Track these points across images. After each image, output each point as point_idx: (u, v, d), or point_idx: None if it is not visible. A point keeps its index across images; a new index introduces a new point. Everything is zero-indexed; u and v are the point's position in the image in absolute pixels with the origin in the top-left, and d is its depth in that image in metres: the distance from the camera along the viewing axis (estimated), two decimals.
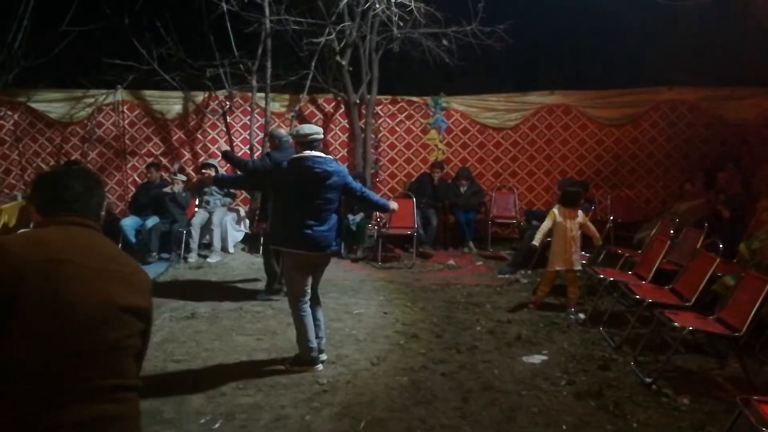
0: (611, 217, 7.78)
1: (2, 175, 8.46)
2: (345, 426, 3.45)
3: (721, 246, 4.94)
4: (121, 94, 8.41)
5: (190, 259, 7.42)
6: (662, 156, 8.69)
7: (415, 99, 8.79)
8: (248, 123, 8.27)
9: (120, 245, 6.75)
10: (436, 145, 8.86)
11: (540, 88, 8.70)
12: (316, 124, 8.26)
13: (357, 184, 4.38)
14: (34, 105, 8.32)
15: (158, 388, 3.74)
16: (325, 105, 8.80)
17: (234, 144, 8.59)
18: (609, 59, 8.69)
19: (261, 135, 8.10)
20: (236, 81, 8.22)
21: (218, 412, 3.58)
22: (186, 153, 8.73)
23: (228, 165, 8.54)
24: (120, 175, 8.64)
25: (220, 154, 8.27)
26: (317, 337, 4.23)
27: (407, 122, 8.84)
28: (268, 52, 7.83)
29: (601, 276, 5.43)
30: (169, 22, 7.77)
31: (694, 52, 8.13)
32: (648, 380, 4.01)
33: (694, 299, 4.61)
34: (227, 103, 8.49)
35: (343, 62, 8.07)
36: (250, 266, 7.22)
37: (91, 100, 8.39)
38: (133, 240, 7.35)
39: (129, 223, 7.44)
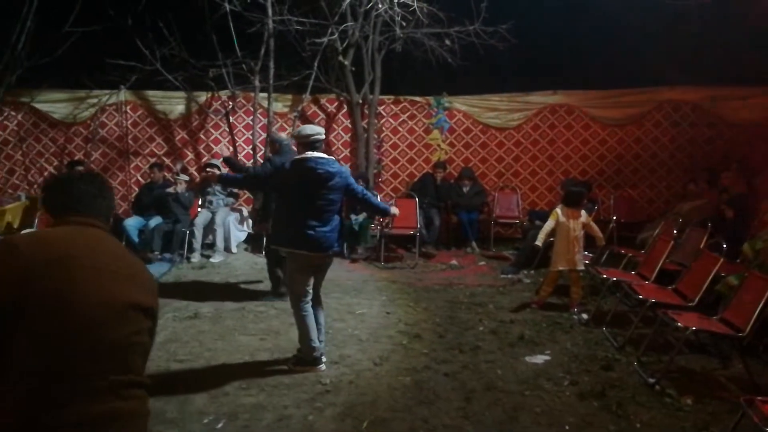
0: (614, 217, 7.79)
1: (6, 176, 8.49)
2: (348, 426, 3.46)
3: (724, 246, 4.92)
4: (124, 95, 8.42)
5: (193, 259, 7.44)
6: (665, 156, 8.67)
7: (417, 99, 8.79)
8: (251, 123, 8.28)
9: (123, 245, 6.75)
10: (438, 145, 8.86)
11: (543, 87, 8.69)
12: (318, 124, 8.27)
13: (359, 186, 4.39)
14: (37, 105, 8.35)
15: (161, 387, 3.75)
16: (327, 105, 8.81)
17: (237, 144, 8.61)
18: (612, 59, 8.68)
19: (264, 135, 8.11)
20: (239, 81, 8.22)
21: (221, 412, 3.59)
22: (189, 153, 8.74)
23: (230, 150, 8.59)
24: (123, 176, 8.66)
25: (222, 153, 8.33)
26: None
27: (410, 122, 8.84)
28: (270, 53, 7.84)
29: (604, 276, 5.43)
30: (172, 23, 7.77)
31: (696, 52, 8.12)
32: (651, 380, 4.01)
33: (697, 299, 4.60)
34: (230, 103, 8.50)
35: (346, 62, 8.07)
36: (252, 266, 7.23)
37: (95, 100, 8.41)
38: (136, 240, 7.36)
39: (132, 223, 7.45)
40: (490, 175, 8.88)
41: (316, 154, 4.09)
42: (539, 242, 5.66)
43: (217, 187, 7.93)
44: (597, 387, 3.96)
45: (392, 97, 8.78)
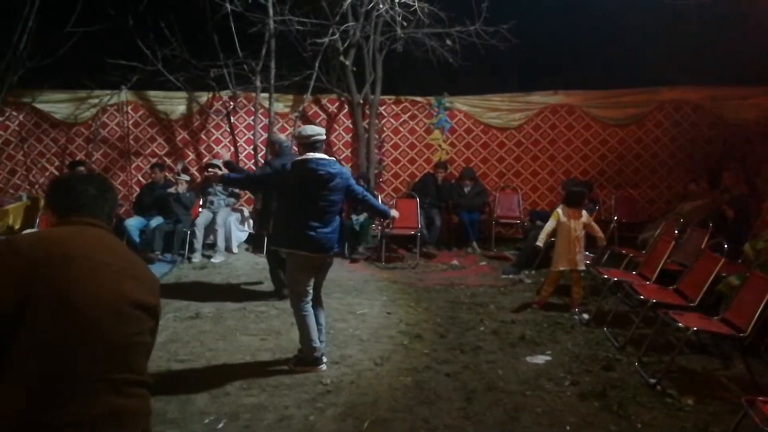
0: (615, 218, 7.78)
1: (7, 176, 8.50)
2: (349, 426, 3.46)
3: (725, 246, 4.92)
4: (125, 95, 8.43)
5: (194, 259, 7.44)
6: (666, 156, 8.67)
7: (418, 99, 8.80)
8: (252, 123, 8.28)
9: (124, 245, 6.76)
10: (439, 145, 8.86)
11: (544, 88, 8.70)
12: (319, 124, 8.29)
13: (359, 187, 4.39)
14: (39, 106, 8.36)
15: (162, 388, 3.75)
16: (328, 105, 8.81)
17: (238, 144, 8.62)
18: (612, 59, 8.69)
19: (265, 135, 8.12)
20: (240, 81, 8.23)
21: (222, 412, 3.59)
22: (190, 153, 8.75)
23: (231, 151, 8.59)
24: (124, 176, 8.67)
25: (222, 157, 8.33)
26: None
27: (411, 122, 8.84)
28: (271, 53, 7.84)
29: (605, 276, 5.42)
30: (173, 23, 7.78)
31: (696, 52, 8.11)
32: (652, 381, 4.00)
33: (698, 300, 4.60)
34: (231, 103, 8.51)
35: (347, 62, 8.08)
36: (254, 266, 7.24)
37: (96, 100, 8.42)
38: (137, 240, 7.37)
39: (133, 223, 7.46)
40: (491, 175, 8.88)
41: (317, 155, 4.09)
42: (540, 242, 5.66)
43: (218, 188, 7.94)
44: (598, 387, 3.96)
45: (393, 97, 8.78)
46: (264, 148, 8.05)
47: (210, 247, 7.81)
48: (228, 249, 7.82)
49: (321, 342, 4.25)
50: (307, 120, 8.48)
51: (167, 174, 8.15)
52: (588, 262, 5.88)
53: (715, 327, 4.15)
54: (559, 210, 5.64)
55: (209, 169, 4.44)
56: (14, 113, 8.38)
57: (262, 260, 7.07)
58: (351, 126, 8.76)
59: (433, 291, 6.31)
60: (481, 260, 7.74)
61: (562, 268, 5.57)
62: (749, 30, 7.04)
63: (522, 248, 7.41)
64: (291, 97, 8.58)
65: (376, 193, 8.29)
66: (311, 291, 4.20)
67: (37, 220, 7.20)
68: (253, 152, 8.23)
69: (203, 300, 5.80)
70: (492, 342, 4.82)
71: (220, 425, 3.44)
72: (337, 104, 8.79)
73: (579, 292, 5.62)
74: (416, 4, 7.38)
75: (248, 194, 8.52)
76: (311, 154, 4.09)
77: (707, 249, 5.08)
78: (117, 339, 1.66)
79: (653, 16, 7.80)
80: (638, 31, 8.44)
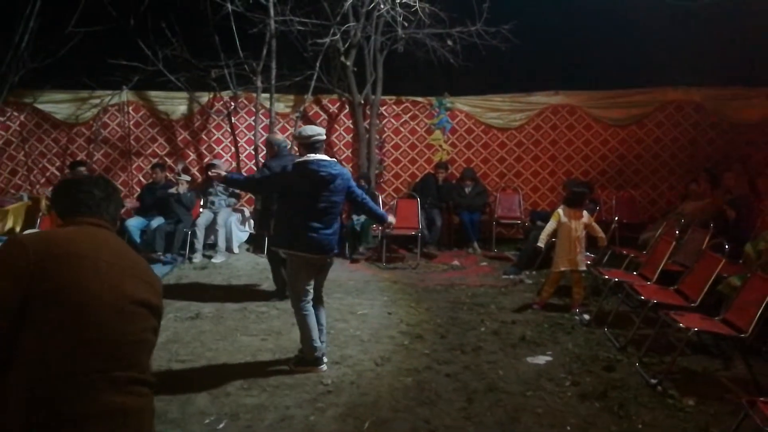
0: (616, 218, 7.77)
1: (8, 176, 8.51)
2: (349, 426, 3.46)
3: (726, 247, 4.91)
4: (126, 95, 8.44)
5: (194, 260, 7.45)
6: (667, 156, 8.67)
7: (419, 99, 8.80)
8: (253, 123, 8.28)
9: (127, 245, 6.77)
10: (440, 146, 8.86)
11: (545, 88, 8.69)
12: (320, 124, 8.29)
13: (359, 190, 4.40)
14: (40, 106, 8.36)
15: (163, 388, 3.74)
16: (329, 105, 8.81)
17: (239, 145, 8.62)
18: (614, 59, 8.68)
19: (265, 135, 8.11)
20: (241, 82, 8.23)
21: (223, 412, 3.59)
22: (191, 153, 8.76)
23: (233, 166, 8.61)
24: (125, 176, 8.67)
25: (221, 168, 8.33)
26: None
27: (412, 123, 8.84)
28: (272, 53, 7.84)
29: (606, 277, 5.42)
30: (174, 24, 7.79)
31: (698, 52, 8.11)
32: (653, 381, 4.00)
33: (699, 300, 4.59)
34: (232, 103, 8.51)
35: (348, 63, 8.08)
36: (254, 267, 7.24)
37: (97, 101, 8.42)
38: (138, 240, 7.37)
39: (134, 223, 7.47)
40: (491, 176, 8.88)
41: (318, 156, 4.09)
42: (541, 243, 5.66)
43: (219, 188, 7.95)
44: (599, 388, 3.95)
45: (394, 97, 8.78)
46: (265, 149, 8.04)
47: (211, 247, 7.81)
48: (229, 249, 7.83)
49: (322, 342, 4.25)
50: (308, 120, 8.48)
51: (168, 174, 8.15)
52: (589, 262, 5.87)
53: (716, 327, 4.14)
54: (560, 210, 5.64)
55: (212, 170, 4.45)
56: (15, 113, 8.39)
57: (262, 260, 7.08)
58: (352, 126, 8.76)
59: (433, 291, 6.31)
60: (482, 261, 7.74)
61: (562, 269, 5.57)
62: (751, 30, 7.04)
63: (523, 249, 7.40)
64: (292, 97, 8.58)
65: (376, 193, 8.29)
66: (312, 291, 4.20)
67: (38, 221, 7.21)
68: (254, 152, 8.23)
69: (204, 300, 5.80)
70: (493, 342, 4.82)
71: (221, 425, 3.44)
72: (338, 104, 8.79)
73: (580, 293, 5.61)
74: (417, 4, 7.38)
75: (249, 194, 8.53)
76: (312, 155, 4.09)
77: (708, 249, 5.08)
78: (120, 337, 1.68)
79: (655, 16, 7.80)
80: (640, 31, 8.44)
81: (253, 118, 8.26)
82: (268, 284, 6.22)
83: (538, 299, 5.82)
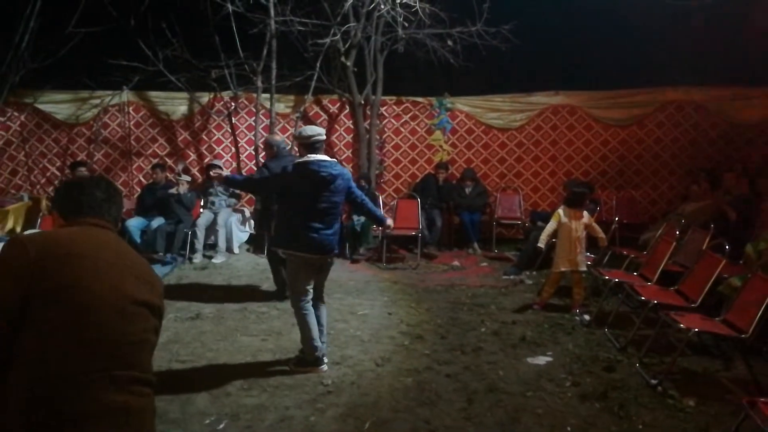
0: (616, 218, 7.76)
1: (9, 176, 8.51)
2: (349, 427, 3.46)
3: (727, 247, 4.91)
4: (126, 96, 8.44)
5: (195, 260, 7.45)
6: (668, 157, 8.67)
7: (419, 100, 8.80)
8: (253, 124, 8.28)
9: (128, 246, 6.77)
10: (440, 146, 8.86)
11: (545, 88, 8.69)
12: (320, 125, 8.29)
13: (359, 191, 4.41)
14: (40, 106, 8.36)
15: (163, 388, 3.73)
16: (329, 106, 8.82)
17: (239, 145, 8.63)
18: (614, 59, 8.68)
19: (266, 136, 8.11)
20: (241, 82, 8.23)
21: (223, 412, 3.59)
22: (191, 154, 8.76)
23: (233, 166, 8.61)
24: (125, 176, 8.67)
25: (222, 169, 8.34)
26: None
27: (412, 123, 8.84)
28: (273, 53, 7.85)
29: (606, 277, 5.42)
30: (175, 24, 7.79)
31: (699, 52, 8.11)
32: (653, 382, 4.00)
33: (699, 301, 4.59)
34: (232, 104, 8.51)
35: (348, 63, 8.08)
36: (254, 267, 7.24)
37: (97, 101, 8.42)
38: (138, 241, 7.37)
39: (134, 223, 7.47)
40: (492, 176, 8.88)
41: (318, 156, 4.10)
42: (542, 244, 5.65)
43: (220, 188, 7.95)
44: (599, 388, 3.95)
45: (394, 97, 8.78)
46: (265, 150, 8.04)
47: (211, 247, 7.81)
48: (229, 249, 7.82)
49: (322, 342, 4.25)
50: (308, 120, 8.49)
51: (168, 174, 8.15)
52: (589, 263, 5.87)
53: (716, 328, 4.14)
54: (561, 211, 5.63)
55: (213, 171, 4.45)
56: (16, 113, 8.39)
57: (263, 261, 7.07)
58: (352, 126, 8.76)
59: (434, 292, 6.31)
60: (482, 261, 7.74)
61: (563, 269, 5.57)
62: (752, 30, 7.04)
63: (523, 249, 7.40)
64: (292, 97, 8.58)
65: (377, 193, 8.29)
66: (311, 290, 4.20)
67: (39, 221, 7.21)
68: (254, 153, 8.24)
69: (204, 300, 5.80)
70: (493, 343, 4.81)
71: (221, 425, 3.44)
72: (338, 105, 8.79)
73: (580, 293, 5.61)
74: (417, 4, 7.38)
75: (249, 195, 8.53)
76: (312, 155, 4.09)
77: (708, 250, 5.08)
78: (120, 337, 1.68)
79: (655, 16, 7.80)
80: (640, 31, 8.44)
81: (254, 118, 8.26)
82: (269, 284, 6.22)
83: (538, 300, 5.82)
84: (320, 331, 4.24)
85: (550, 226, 5.63)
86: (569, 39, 8.73)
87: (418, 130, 8.85)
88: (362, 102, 8.45)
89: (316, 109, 8.79)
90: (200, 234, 7.57)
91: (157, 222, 7.49)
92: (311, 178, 4.05)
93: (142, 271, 1.83)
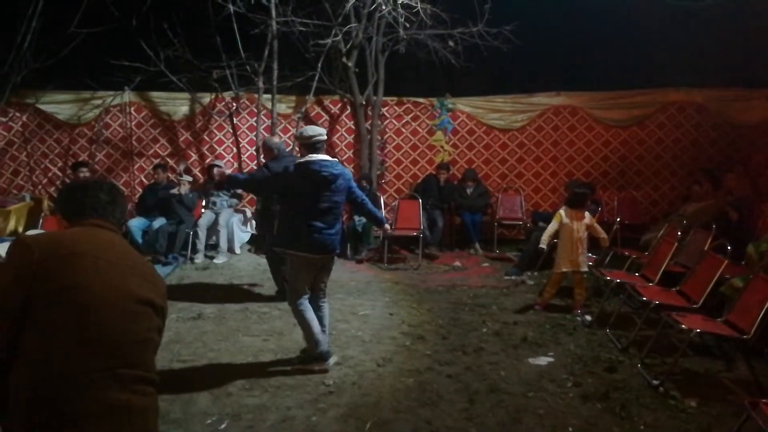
0: (618, 219, 7.76)
1: (11, 176, 8.52)
2: (351, 427, 3.46)
3: (728, 248, 4.91)
4: (128, 96, 8.45)
5: (196, 260, 7.45)
6: (669, 157, 8.66)
7: (421, 100, 8.80)
8: (255, 124, 8.29)
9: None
10: (442, 147, 8.86)
11: (546, 89, 8.68)
12: (322, 125, 8.30)
13: (359, 191, 4.42)
14: (42, 106, 8.37)
15: (165, 388, 3.69)
16: (331, 106, 8.82)
17: (240, 145, 8.63)
18: (616, 60, 8.67)
19: (264, 138, 8.11)
20: (243, 82, 8.24)
21: (225, 412, 3.59)
22: (193, 154, 8.76)
23: (235, 166, 8.61)
24: (127, 177, 8.68)
25: (226, 157, 8.35)
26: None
27: (413, 123, 8.84)
28: (274, 54, 7.85)
29: (608, 278, 5.42)
30: (177, 24, 7.80)
31: (700, 53, 8.10)
32: (655, 382, 4.00)
33: (701, 301, 4.59)
34: (234, 104, 8.52)
35: (350, 64, 8.08)
36: (256, 267, 7.24)
37: (99, 101, 8.43)
38: (140, 241, 7.38)
39: (136, 224, 7.48)
40: (493, 177, 8.87)
41: (319, 156, 4.10)
42: (543, 244, 5.65)
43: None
44: (600, 389, 3.95)
45: (395, 98, 8.78)
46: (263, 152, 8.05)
47: (212, 247, 7.82)
48: (230, 250, 7.83)
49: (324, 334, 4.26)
50: (309, 121, 8.49)
51: (170, 175, 8.15)
52: (590, 263, 5.86)
53: (718, 329, 4.14)
54: (562, 211, 5.63)
55: (215, 169, 4.45)
56: (18, 114, 8.40)
57: (264, 261, 7.07)
58: (353, 127, 8.76)
59: (435, 292, 6.31)
60: (484, 261, 7.74)
61: (564, 270, 5.57)
62: (753, 31, 7.03)
63: (524, 249, 7.40)
64: (293, 98, 8.58)
65: (378, 194, 8.29)
66: (309, 291, 4.21)
67: (41, 221, 7.21)
68: (255, 153, 8.24)
69: (206, 301, 5.81)
70: (494, 343, 4.81)
71: (223, 426, 3.44)
72: (339, 105, 8.79)
73: (582, 294, 5.61)
74: (419, 5, 7.38)
75: (250, 195, 8.53)
76: (314, 155, 4.10)
77: (710, 251, 5.07)
78: (124, 335, 1.69)
79: (656, 17, 7.80)
80: (641, 32, 8.44)
81: (255, 119, 8.27)
82: (270, 285, 6.23)
83: (539, 300, 5.82)
84: (322, 332, 4.24)
85: (552, 227, 5.62)
86: (570, 40, 8.73)
87: (420, 130, 8.85)
88: (363, 102, 8.46)
89: (318, 109, 8.80)
90: (202, 234, 7.58)
91: (159, 222, 7.50)
92: (312, 177, 4.05)
93: (144, 271, 1.84)
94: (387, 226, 4.73)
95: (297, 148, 4.82)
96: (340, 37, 7.71)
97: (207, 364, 4.36)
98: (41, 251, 1.64)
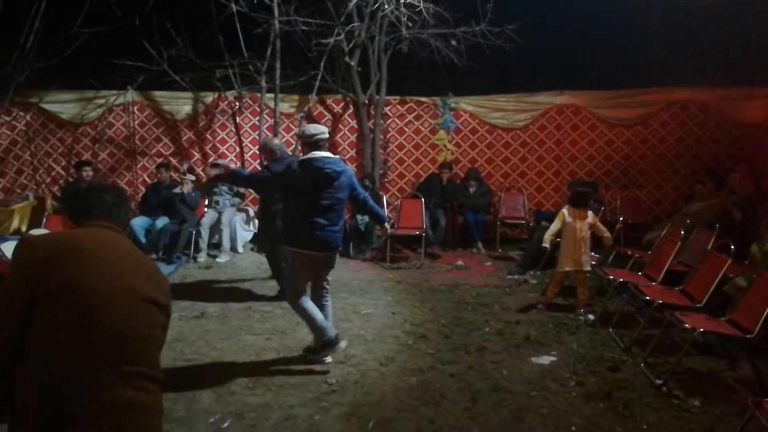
0: (621, 218, 7.74)
1: (14, 175, 8.55)
2: (353, 426, 3.46)
3: (732, 247, 4.90)
4: (131, 95, 8.47)
5: (199, 259, 7.46)
6: (672, 156, 8.64)
7: (423, 99, 8.79)
8: (257, 123, 8.30)
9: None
10: (444, 146, 8.86)
11: (549, 88, 8.67)
12: (324, 124, 8.29)
13: (361, 189, 4.43)
14: (45, 106, 8.40)
15: (168, 386, 3.68)
16: (333, 105, 8.82)
17: (243, 144, 8.64)
18: (619, 59, 8.66)
19: (264, 140, 8.12)
20: (245, 82, 8.25)
21: (228, 411, 3.60)
22: (195, 153, 8.78)
23: (237, 165, 8.62)
24: (130, 176, 8.70)
25: (228, 156, 8.36)
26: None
27: (416, 122, 8.84)
28: (277, 53, 7.86)
29: (611, 277, 5.41)
30: (179, 24, 7.81)
31: (704, 52, 8.08)
32: (658, 382, 3.99)
33: (705, 301, 4.58)
34: (236, 103, 8.53)
35: (352, 63, 8.08)
36: (259, 266, 7.25)
37: (102, 101, 8.46)
38: (143, 240, 7.39)
39: (139, 223, 7.49)
40: (496, 176, 8.87)
41: (322, 153, 4.11)
42: (546, 243, 5.64)
43: (224, 188, 7.96)
44: (603, 388, 3.94)
45: (398, 97, 8.79)
46: (263, 154, 8.05)
47: (215, 246, 7.83)
48: (233, 249, 7.84)
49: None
50: (312, 120, 8.49)
51: (173, 174, 8.17)
52: (593, 262, 5.85)
53: (721, 328, 4.13)
54: (565, 210, 5.62)
55: (217, 167, 4.44)
56: (21, 113, 8.43)
57: (266, 260, 7.08)
58: (356, 126, 8.76)
59: (437, 291, 6.31)
60: (486, 261, 7.73)
61: (567, 269, 5.56)
62: (755, 30, 7.01)
63: (527, 249, 7.40)
64: (296, 97, 8.60)
65: (381, 193, 8.29)
66: (308, 289, 4.23)
67: (44, 220, 7.23)
68: (258, 152, 8.25)
69: (208, 299, 5.81)
70: (497, 342, 4.81)
71: (226, 424, 3.45)
72: (342, 104, 8.80)
73: (584, 293, 5.60)
74: (421, 4, 7.38)
75: (253, 194, 8.54)
76: (316, 152, 4.11)
77: (714, 250, 5.06)
78: (127, 332, 1.70)
79: (659, 16, 7.78)
80: (644, 31, 8.42)
81: (258, 118, 8.28)
82: (273, 284, 6.23)
83: (542, 299, 5.81)
84: (324, 315, 4.28)
85: (555, 226, 5.62)
86: (573, 39, 8.72)
87: (422, 129, 8.84)
88: (366, 102, 8.46)
89: (320, 108, 8.80)
90: (204, 233, 7.59)
91: (162, 221, 7.51)
92: (315, 174, 4.06)
93: (148, 270, 1.85)
94: (387, 225, 4.73)
95: (299, 148, 4.81)
96: (342, 36, 7.72)
97: (210, 362, 4.36)
98: (45, 250, 1.65)
